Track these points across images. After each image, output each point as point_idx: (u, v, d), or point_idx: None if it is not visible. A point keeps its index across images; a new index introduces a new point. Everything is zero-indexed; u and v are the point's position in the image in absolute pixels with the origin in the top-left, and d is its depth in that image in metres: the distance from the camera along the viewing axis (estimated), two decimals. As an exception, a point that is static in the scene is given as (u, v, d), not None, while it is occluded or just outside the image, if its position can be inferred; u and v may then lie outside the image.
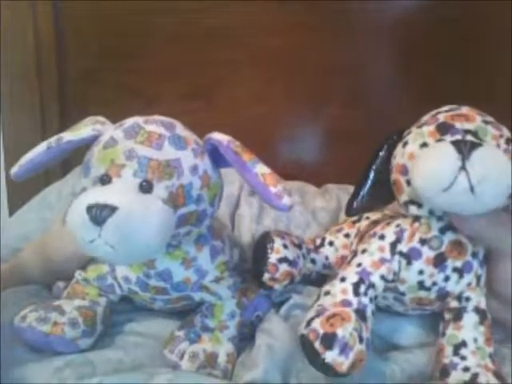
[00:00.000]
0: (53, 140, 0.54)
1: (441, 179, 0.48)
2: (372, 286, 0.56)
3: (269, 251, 0.68)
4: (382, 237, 0.59)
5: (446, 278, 0.56)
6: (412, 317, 0.64)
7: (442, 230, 0.56)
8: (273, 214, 0.87)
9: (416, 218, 0.58)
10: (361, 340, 0.51)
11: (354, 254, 0.60)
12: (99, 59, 1.01)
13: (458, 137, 0.51)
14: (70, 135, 0.54)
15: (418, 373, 0.58)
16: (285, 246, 0.69)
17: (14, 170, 0.54)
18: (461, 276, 0.56)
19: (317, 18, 0.98)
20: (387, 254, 0.57)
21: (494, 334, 0.61)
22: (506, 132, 0.54)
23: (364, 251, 0.59)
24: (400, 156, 0.56)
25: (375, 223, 0.65)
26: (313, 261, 0.73)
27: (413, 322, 0.64)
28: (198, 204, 0.52)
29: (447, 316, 0.59)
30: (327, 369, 0.49)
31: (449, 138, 0.52)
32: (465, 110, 0.55)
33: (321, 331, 0.50)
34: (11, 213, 0.94)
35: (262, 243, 0.70)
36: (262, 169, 0.52)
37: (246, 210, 0.88)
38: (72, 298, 0.59)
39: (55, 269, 0.65)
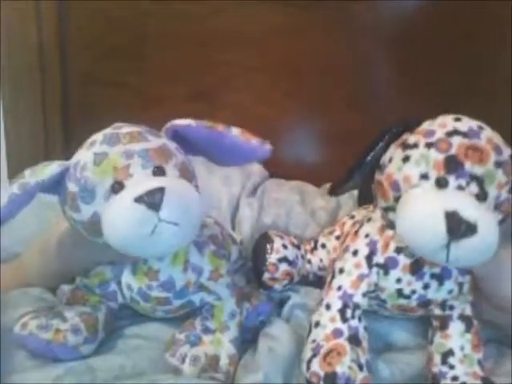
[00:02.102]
0: (15, 188, 0.50)
1: (422, 248, 0.49)
2: (357, 306, 0.57)
3: (268, 251, 0.68)
4: (355, 252, 0.59)
5: (426, 286, 0.56)
6: (410, 317, 0.64)
7: None
8: (272, 214, 0.87)
9: (385, 224, 0.58)
10: (361, 367, 0.52)
11: (333, 272, 0.60)
12: (102, 60, 1.01)
13: (462, 182, 0.48)
14: (36, 178, 0.50)
15: (418, 374, 0.59)
16: (284, 246, 0.69)
17: None
18: (441, 283, 0.56)
19: (319, 21, 0.98)
20: (365, 269, 0.58)
21: (492, 334, 0.62)
22: None
23: (341, 271, 0.59)
24: (395, 168, 0.52)
25: (354, 225, 0.66)
26: (309, 262, 0.74)
27: (412, 321, 0.64)
28: (196, 180, 0.55)
29: (434, 323, 0.60)
30: None
31: (452, 180, 0.49)
32: (483, 139, 0.50)
33: (321, 373, 0.52)
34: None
35: (262, 243, 0.70)
36: (236, 130, 0.55)
37: (247, 210, 0.88)
38: (72, 304, 0.59)
39: (57, 271, 0.64)
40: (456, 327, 0.57)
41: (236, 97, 1.02)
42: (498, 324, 0.62)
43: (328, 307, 0.57)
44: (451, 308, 0.58)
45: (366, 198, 0.79)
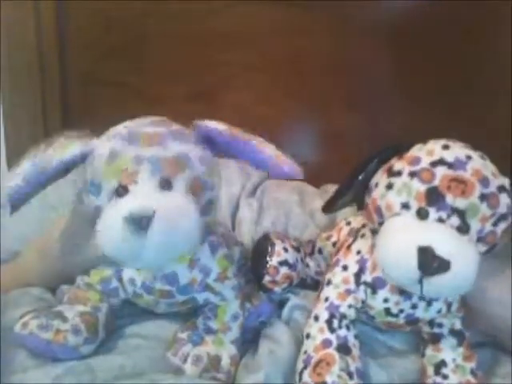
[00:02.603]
0: (38, 161, 0.51)
1: (397, 277, 0.49)
2: (344, 316, 0.58)
3: (269, 254, 0.68)
4: (345, 267, 0.60)
5: (413, 306, 0.56)
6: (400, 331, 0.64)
7: None
8: (272, 215, 0.88)
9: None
10: (351, 376, 0.53)
11: (322, 285, 0.61)
12: (102, 60, 1.01)
13: (443, 214, 0.48)
14: (58, 156, 0.51)
15: (416, 379, 0.59)
16: (285, 250, 0.70)
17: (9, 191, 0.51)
18: (429, 304, 0.56)
19: (319, 21, 0.98)
20: (352, 286, 0.58)
21: (489, 337, 0.62)
22: (504, 201, 0.49)
23: (329, 283, 0.60)
24: (379, 194, 0.52)
25: (349, 234, 0.66)
26: (307, 266, 0.74)
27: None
28: (212, 191, 0.54)
29: (425, 337, 0.60)
30: None
31: (433, 212, 0.48)
32: (469, 170, 0.49)
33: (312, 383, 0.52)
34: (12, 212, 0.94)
35: (263, 245, 0.70)
36: (271, 151, 0.54)
37: (246, 211, 0.88)
38: (73, 303, 0.58)
39: (56, 271, 0.64)
40: (447, 342, 0.58)
41: (236, 97, 1.02)
42: (492, 334, 0.63)
43: (316, 319, 0.58)
44: (440, 326, 0.58)
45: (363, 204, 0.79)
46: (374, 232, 0.55)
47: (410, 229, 0.49)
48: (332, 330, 0.56)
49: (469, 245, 0.48)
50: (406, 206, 0.50)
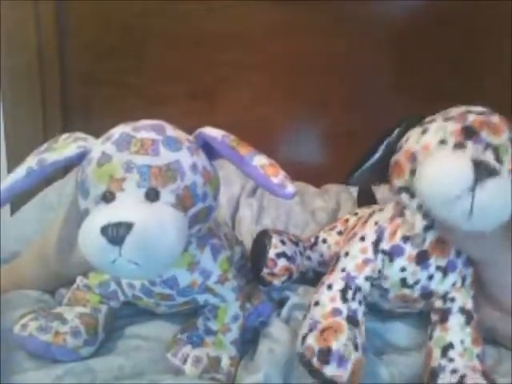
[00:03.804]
0: (34, 163, 0.50)
1: (447, 192, 0.48)
2: (359, 289, 0.57)
3: (267, 247, 0.68)
4: (362, 238, 0.59)
5: (430, 277, 0.57)
6: (410, 317, 0.64)
7: (426, 228, 0.55)
8: (272, 214, 0.88)
9: (396, 214, 0.58)
10: (356, 348, 0.52)
11: (337, 257, 0.60)
12: (102, 60, 1.01)
13: (479, 148, 0.50)
14: (55, 155, 0.51)
15: (416, 375, 0.58)
16: (283, 242, 0.70)
17: None
18: (445, 275, 0.57)
19: (319, 21, 0.98)
20: (370, 255, 0.58)
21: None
22: None
23: (347, 254, 0.59)
24: (414, 141, 0.54)
25: (360, 219, 0.65)
26: (308, 258, 0.74)
27: (410, 322, 0.65)
28: (204, 201, 0.52)
29: (434, 317, 0.59)
30: (329, 382, 0.50)
31: (470, 145, 0.50)
32: (497, 118, 0.52)
33: (316, 347, 0.51)
34: (12, 212, 0.94)
35: (261, 239, 0.71)
36: (260, 161, 0.50)
37: (246, 210, 0.88)
38: (73, 304, 0.58)
39: (55, 274, 0.63)
40: (456, 320, 0.57)
41: (236, 96, 1.02)
42: (497, 332, 0.62)
43: (329, 287, 0.57)
44: (452, 300, 0.58)
45: (365, 200, 0.79)
46: (400, 189, 0.55)
47: (455, 153, 0.50)
48: (345, 299, 0.55)
49: (506, 175, 0.50)
50: (443, 142, 0.51)
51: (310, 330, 0.53)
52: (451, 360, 0.55)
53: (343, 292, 0.56)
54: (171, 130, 0.52)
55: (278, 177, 0.49)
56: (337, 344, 0.51)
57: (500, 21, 0.97)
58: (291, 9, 0.97)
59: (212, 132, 0.53)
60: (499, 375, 0.59)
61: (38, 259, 0.65)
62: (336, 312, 0.54)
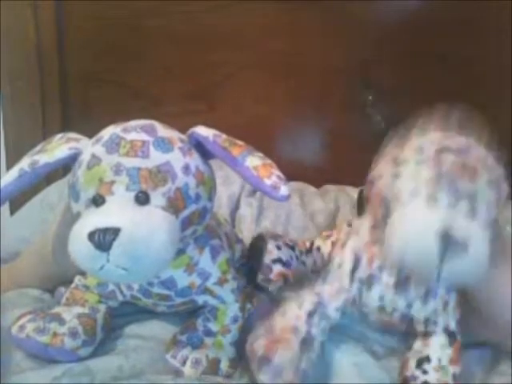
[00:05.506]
0: (26, 165, 0.50)
1: (414, 264, 0.48)
2: (327, 317, 0.56)
3: (263, 253, 0.68)
4: (340, 265, 0.58)
5: (409, 305, 0.56)
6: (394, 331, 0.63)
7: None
8: (272, 215, 0.88)
9: (373, 240, 0.56)
10: (297, 371, 0.51)
11: (318, 275, 0.60)
12: (101, 59, 1.01)
13: (452, 200, 0.48)
14: (46, 157, 0.50)
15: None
16: (278, 247, 0.69)
17: None
18: (425, 303, 0.56)
19: (318, 21, 0.98)
20: (346, 283, 0.57)
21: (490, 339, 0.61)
22: (504, 189, 0.50)
23: (324, 279, 0.59)
24: (386, 184, 0.52)
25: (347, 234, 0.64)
26: (303, 263, 0.73)
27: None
28: (197, 203, 0.51)
29: (417, 332, 0.58)
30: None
31: (443, 197, 0.48)
32: (474, 156, 0.49)
33: (260, 353, 0.51)
34: (12, 212, 0.94)
35: (256, 245, 0.70)
36: (252, 161, 0.50)
37: (246, 210, 0.88)
38: (71, 304, 0.58)
39: (52, 272, 0.63)
40: (438, 339, 0.56)
41: (235, 96, 1.02)
42: (493, 343, 0.62)
43: (300, 305, 0.56)
44: (435, 323, 0.57)
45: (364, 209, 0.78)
46: (376, 227, 0.53)
47: (424, 214, 0.48)
48: (309, 323, 0.54)
49: (480, 229, 0.48)
50: (415, 192, 0.49)
51: (265, 334, 0.53)
52: (425, 372, 0.54)
53: (310, 315, 0.55)
54: (163, 131, 0.51)
55: (270, 178, 0.49)
56: (279, 359, 0.51)
57: (501, 20, 0.97)
58: (291, 8, 0.97)
59: (204, 132, 0.52)
60: (499, 375, 0.59)
61: (38, 259, 0.65)
62: (295, 330, 0.54)
